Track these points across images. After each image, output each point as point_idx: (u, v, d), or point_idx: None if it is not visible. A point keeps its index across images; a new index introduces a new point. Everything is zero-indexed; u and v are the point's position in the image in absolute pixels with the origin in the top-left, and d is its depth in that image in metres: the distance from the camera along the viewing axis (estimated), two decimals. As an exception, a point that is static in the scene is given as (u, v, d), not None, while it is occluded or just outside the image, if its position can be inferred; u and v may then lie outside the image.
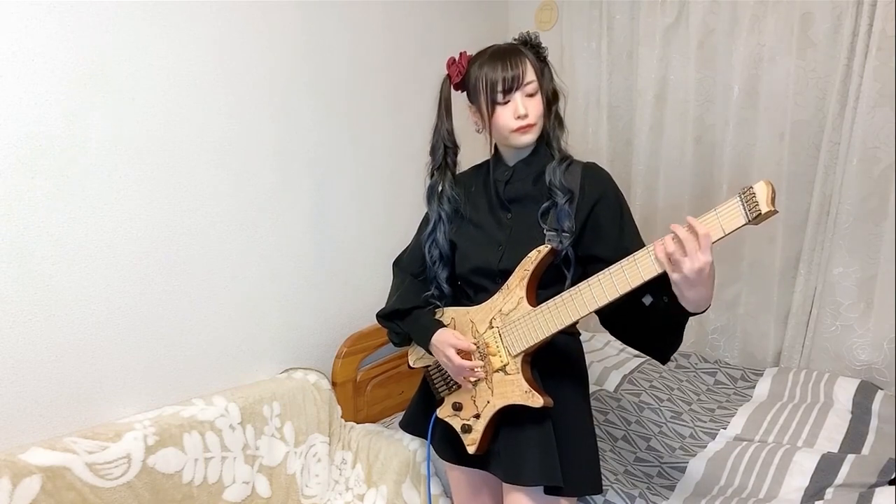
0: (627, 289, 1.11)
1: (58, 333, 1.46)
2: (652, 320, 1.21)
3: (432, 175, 1.44)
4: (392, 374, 2.21)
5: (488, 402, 1.30)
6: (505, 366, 1.28)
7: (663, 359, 1.29)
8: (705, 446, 1.88)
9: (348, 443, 1.88)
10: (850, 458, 1.67)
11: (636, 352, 2.53)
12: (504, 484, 1.35)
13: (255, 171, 1.84)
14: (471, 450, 1.33)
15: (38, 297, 1.42)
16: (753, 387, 2.24)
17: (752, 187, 1.01)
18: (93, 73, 1.46)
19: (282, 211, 1.93)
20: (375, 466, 1.79)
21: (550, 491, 1.28)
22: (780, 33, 2.20)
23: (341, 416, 1.96)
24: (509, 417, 1.30)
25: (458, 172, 1.46)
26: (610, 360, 2.39)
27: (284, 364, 2.00)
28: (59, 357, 1.47)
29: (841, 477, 1.60)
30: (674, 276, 1.06)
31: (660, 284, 1.11)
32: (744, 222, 1.02)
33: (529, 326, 1.23)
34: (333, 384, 2.01)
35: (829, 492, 1.57)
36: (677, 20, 2.41)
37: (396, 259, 1.58)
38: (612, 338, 2.60)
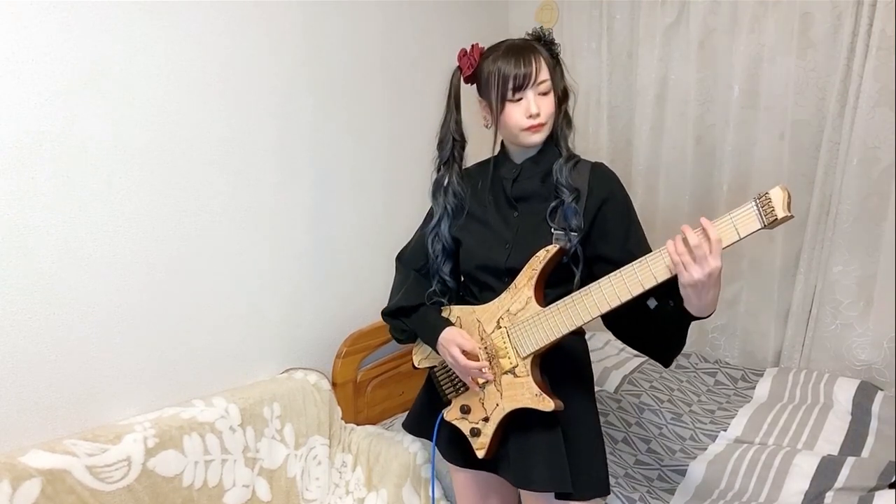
0: (639, 290, 1.10)
1: (58, 334, 1.46)
2: (656, 324, 1.21)
3: (439, 169, 1.42)
4: (393, 375, 2.20)
5: (497, 404, 1.28)
6: (514, 367, 1.26)
7: (667, 362, 1.28)
8: (705, 448, 1.87)
9: (348, 445, 1.88)
10: (850, 461, 1.67)
11: (636, 352, 2.55)
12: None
13: (255, 171, 1.84)
14: (480, 454, 1.31)
15: (39, 298, 1.42)
16: (753, 387, 2.24)
17: (767, 193, 1.01)
18: (93, 74, 1.45)
19: (282, 210, 1.93)
20: (376, 469, 1.79)
21: (561, 496, 1.27)
22: (780, 33, 2.19)
23: (341, 418, 1.95)
24: (518, 420, 1.28)
25: (464, 167, 1.44)
26: (610, 361, 2.39)
27: (284, 364, 1.99)
28: (60, 358, 1.47)
29: (841, 480, 1.60)
30: (682, 280, 1.05)
31: (667, 288, 1.11)
32: (759, 227, 1.03)
33: (539, 327, 1.21)
34: (333, 385, 2.00)
35: (830, 495, 1.57)
36: (677, 20, 2.41)
37: (399, 254, 1.56)
38: (613, 337, 2.61)
